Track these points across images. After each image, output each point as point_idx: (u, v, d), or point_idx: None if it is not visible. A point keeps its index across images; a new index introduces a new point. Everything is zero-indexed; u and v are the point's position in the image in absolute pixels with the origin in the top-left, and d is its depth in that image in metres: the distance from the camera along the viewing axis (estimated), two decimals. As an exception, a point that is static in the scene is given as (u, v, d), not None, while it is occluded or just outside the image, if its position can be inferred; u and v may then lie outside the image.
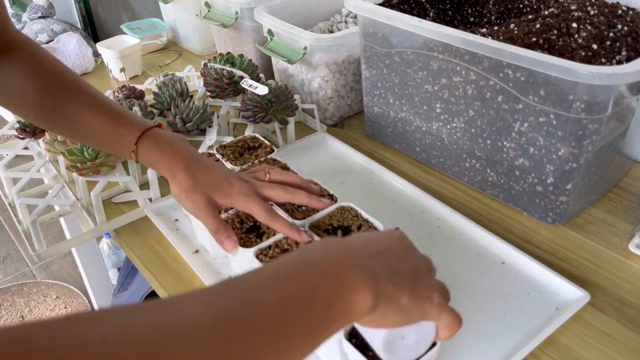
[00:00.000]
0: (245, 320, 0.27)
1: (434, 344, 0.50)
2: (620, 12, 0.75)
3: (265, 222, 0.60)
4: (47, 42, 1.26)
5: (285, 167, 0.76)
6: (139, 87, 1.07)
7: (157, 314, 0.26)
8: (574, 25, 0.72)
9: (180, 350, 0.24)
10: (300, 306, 0.29)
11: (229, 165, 0.78)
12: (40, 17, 2.50)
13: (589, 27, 0.71)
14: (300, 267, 0.32)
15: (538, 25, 0.73)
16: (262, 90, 0.90)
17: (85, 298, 1.63)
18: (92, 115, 0.64)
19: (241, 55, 1.04)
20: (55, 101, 0.64)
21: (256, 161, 0.77)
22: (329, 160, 0.93)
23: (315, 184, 0.70)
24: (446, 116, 0.80)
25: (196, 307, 0.27)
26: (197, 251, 0.74)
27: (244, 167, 0.76)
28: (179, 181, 0.62)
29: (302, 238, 0.58)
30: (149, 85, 1.14)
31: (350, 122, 1.04)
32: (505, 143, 0.74)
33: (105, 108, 0.65)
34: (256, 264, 0.61)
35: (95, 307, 1.55)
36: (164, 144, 0.64)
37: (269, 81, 0.96)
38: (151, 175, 0.82)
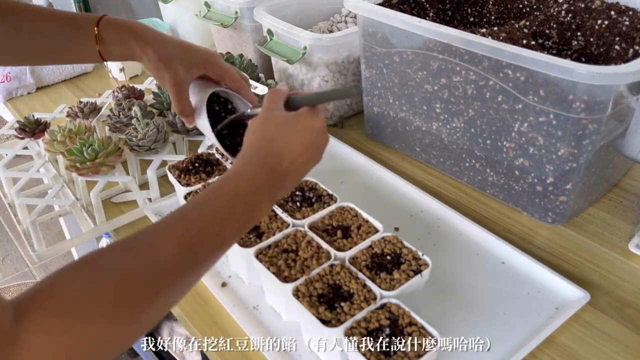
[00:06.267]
0: (199, 250, 0.42)
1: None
2: (620, 12, 0.75)
3: (238, 84, 0.65)
4: (47, 42, 1.26)
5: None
6: (138, 87, 1.07)
7: (143, 257, 0.39)
8: (574, 25, 0.72)
9: (166, 277, 0.40)
10: (234, 228, 0.46)
11: (229, 166, 0.77)
12: (39, 17, 2.49)
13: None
14: (233, 203, 0.46)
15: (538, 25, 0.73)
16: (262, 90, 0.90)
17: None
18: (47, 21, 0.65)
19: (241, 55, 1.04)
20: (8, 25, 0.64)
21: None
22: (329, 160, 0.92)
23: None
24: (446, 116, 0.80)
25: (169, 246, 0.40)
26: (196, 251, 0.74)
27: None
28: (153, 53, 0.63)
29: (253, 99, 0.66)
30: (149, 85, 1.14)
31: (350, 122, 1.04)
32: (505, 143, 0.74)
33: (56, 13, 0.66)
34: (256, 263, 0.61)
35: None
36: (125, 22, 0.65)
37: (269, 81, 0.96)
38: (151, 175, 0.82)
